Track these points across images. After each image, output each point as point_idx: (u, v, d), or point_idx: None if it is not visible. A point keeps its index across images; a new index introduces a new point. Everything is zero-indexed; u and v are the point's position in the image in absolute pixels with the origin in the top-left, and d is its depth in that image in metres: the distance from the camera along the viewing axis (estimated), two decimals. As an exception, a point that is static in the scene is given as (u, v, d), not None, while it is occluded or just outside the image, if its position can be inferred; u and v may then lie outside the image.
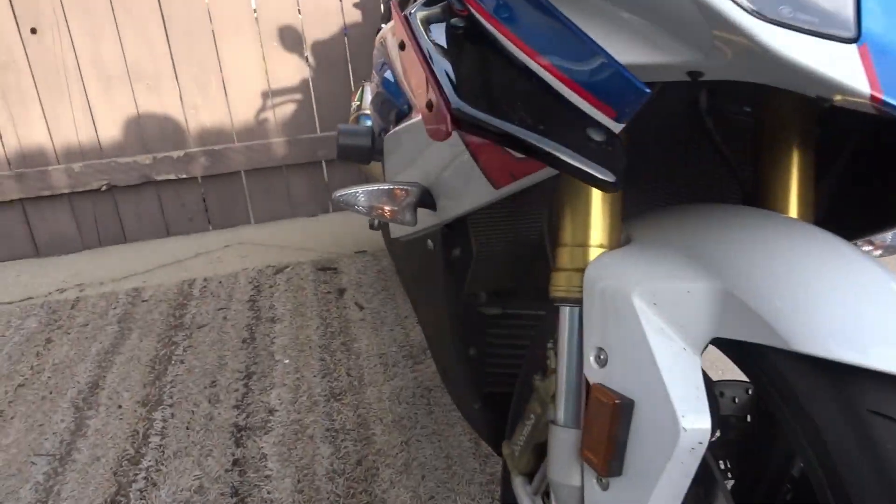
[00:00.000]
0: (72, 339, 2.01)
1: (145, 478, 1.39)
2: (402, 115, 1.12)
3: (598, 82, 0.50)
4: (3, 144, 2.59)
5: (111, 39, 2.59)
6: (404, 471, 1.35)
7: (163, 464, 1.43)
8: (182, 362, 1.83)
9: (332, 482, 1.34)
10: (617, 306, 0.60)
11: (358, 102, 1.89)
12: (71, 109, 2.62)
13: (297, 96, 2.83)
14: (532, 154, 0.49)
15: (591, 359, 0.63)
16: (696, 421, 0.54)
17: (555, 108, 0.50)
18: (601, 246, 0.66)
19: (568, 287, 0.66)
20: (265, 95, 2.80)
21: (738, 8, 0.43)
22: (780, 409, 0.52)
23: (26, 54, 2.53)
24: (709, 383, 0.59)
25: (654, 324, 0.57)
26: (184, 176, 2.76)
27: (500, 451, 1.05)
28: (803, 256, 0.55)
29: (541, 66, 0.52)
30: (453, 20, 0.57)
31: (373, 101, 1.33)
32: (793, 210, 0.70)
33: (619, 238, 0.67)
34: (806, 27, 0.43)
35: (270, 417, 1.55)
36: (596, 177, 0.48)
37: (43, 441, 1.54)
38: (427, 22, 0.58)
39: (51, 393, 1.74)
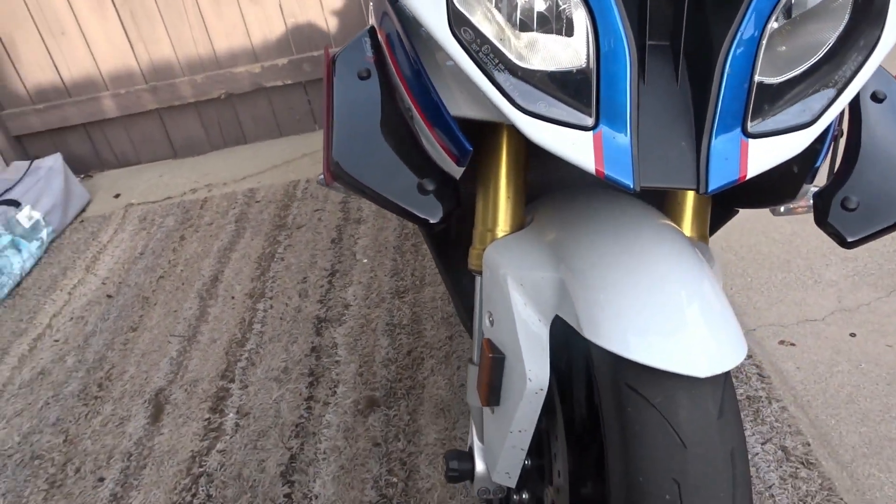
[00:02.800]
0: (200, 237, 2.42)
1: (247, 358, 1.77)
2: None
3: (446, 135, 0.67)
4: (138, 61, 2.97)
5: (216, -43, 2.82)
6: (444, 361, 1.63)
7: (261, 347, 1.80)
8: (282, 259, 2.18)
9: (386, 368, 1.64)
10: (499, 283, 0.78)
11: None
12: (189, 26, 2.93)
13: None
14: (379, 204, 0.68)
15: (486, 319, 0.83)
16: (538, 374, 0.74)
17: (408, 165, 0.69)
18: (503, 230, 0.84)
19: (478, 263, 0.85)
20: (364, 3, 2.94)
21: (507, 102, 0.59)
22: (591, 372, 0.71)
23: (147, -22, 2.83)
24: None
25: (520, 301, 0.76)
26: (289, 82, 3.03)
27: None
28: (623, 257, 0.70)
29: (417, 111, 0.70)
30: (361, 68, 0.75)
31: None
32: (686, 219, 0.83)
33: (521, 221, 0.84)
34: (557, 118, 0.58)
35: (345, 311, 1.87)
36: (420, 218, 0.67)
37: (176, 325, 1.97)
38: (343, 68, 0.76)
39: (183, 284, 2.16)
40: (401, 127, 0.73)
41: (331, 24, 2.98)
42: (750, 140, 0.58)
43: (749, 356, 1.45)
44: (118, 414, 1.67)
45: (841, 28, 0.61)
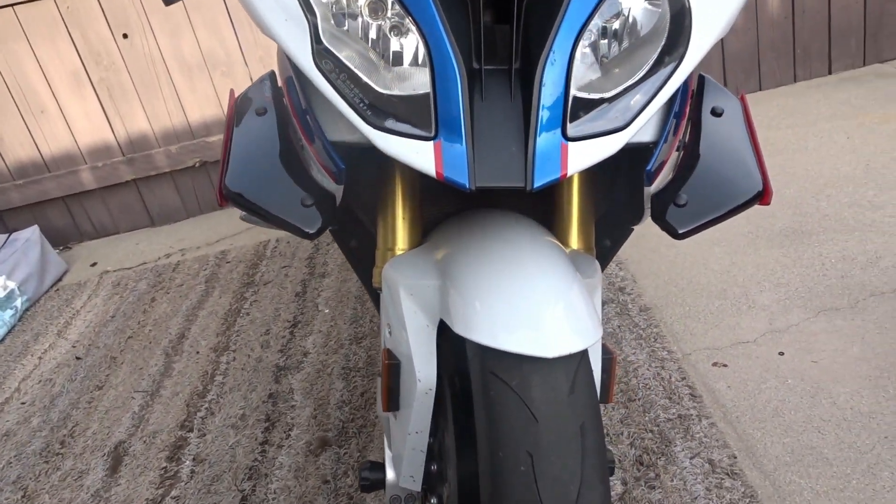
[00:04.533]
0: (170, 298, 2.49)
1: (207, 408, 1.81)
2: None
3: (323, 152, 0.76)
4: (115, 135, 3.10)
5: (188, 35, 2.99)
6: (396, 401, 1.67)
7: (221, 397, 1.84)
8: (248, 314, 2.24)
9: (340, 410, 1.68)
10: (394, 296, 0.85)
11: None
12: (163, 100, 3.08)
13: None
14: (267, 220, 0.76)
15: (385, 330, 0.89)
16: (427, 375, 0.80)
17: (291, 183, 0.77)
18: (400, 248, 0.91)
19: (380, 279, 0.92)
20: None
21: (363, 122, 0.67)
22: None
23: (122, 57, 2.99)
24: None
25: (410, 308, 0.83)
26: (261, 148, 3.16)
27: None
28: (497, 263, 0.77)
29: (303, 137, 0.79)
30: (257, 104, 0.85)
31: None
32: (573, 233, 0.91)
33: (418, 241, 0.92)
34: (404, 132, 0.66)
35: (304, 359, 1.92)
36: (298, 229, 0.75)
37: (141, 381, 2.01)
38: (243, 105, 0.86)
39: (150, 343, 2.21)
40: (290, 156, 0.82)
41: (298, 92, 3.14)
42: (570, 143, 0.66)
43: (682, 378, 1.50)
44: (78, 468, 1.70)
45: (659, 48, 0.70)
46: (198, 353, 2.09)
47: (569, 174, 0.65)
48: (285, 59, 0.89)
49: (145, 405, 1.89)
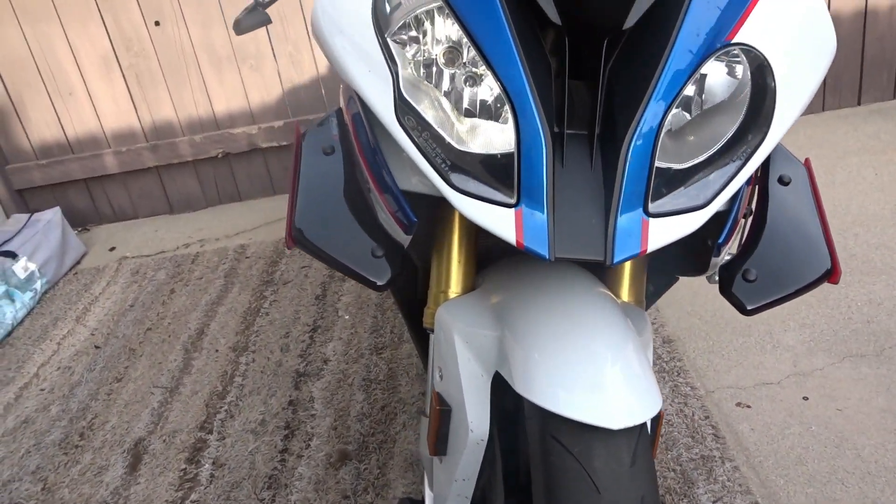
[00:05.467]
0: (189, 291, 2.49)
1: (226, 410, 1.82)
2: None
3: (396, 205, 0.76)
4: (140, 121, 3.11)
5: (220, 27, 2.99)
6: (416, 416, 1.68)
7: (241, 399, 1.85)
8: (267, 314, 2.25)
9: (360, 422, 1.69)
10: (448, 340, 0.86)
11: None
12: (191, 89, 3.08)
13: (380, 68, 3.11)
14: (334, 268, 0.76)
15: (436, 374, 0.90)
16: (479, 425, 0.81)
17: (361, 232, 0.78)
18: (454, 291, 0.91)
19: (432, 321, 0.92)
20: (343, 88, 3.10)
21: (443, 182, 0.68)
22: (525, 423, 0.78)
23: (153, 44, 2.99)
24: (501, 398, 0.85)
25: (465, 356, 0.83)
26: (284, 143, 3.16)
27: None
28: (556, 319, 0.78)
29: (373, 184, 0.79)
30: (325, 144, 0.85)
31: None
32: (625, 285, 0.91)
33: (472, 284, 0.92)
34: (485, 196, 0.67)
35: (324, 367, 1.93)
36: (368, 280, 0.75)
37: (160, 376, 2.02)
38: (310, 144, 0.86)
39: (169, 336, 2.22)
40: (358, 199, 0.82)
41: (325, 89, 3.13)
42: (650, 219, 0.66)
43: (706, 416, 1.51)
44: (97, 463, 1.71)
45: (738, 122, 0.70)
46: (217, 351, 2.10)
47: (648, 251, 0.66)
48: (354, 96, 0.89)
49: (164, 402, 1.90)
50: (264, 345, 2.09)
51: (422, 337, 1.21)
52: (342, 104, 0.96)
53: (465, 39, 0.69)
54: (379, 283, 0.77)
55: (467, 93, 0.70)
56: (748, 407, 1.53)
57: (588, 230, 0.66)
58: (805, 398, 1.52)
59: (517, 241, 0.66)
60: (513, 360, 0.75)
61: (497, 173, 0.67)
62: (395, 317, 2.11)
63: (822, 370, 1.59)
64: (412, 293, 1.11)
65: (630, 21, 0.66)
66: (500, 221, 0.66)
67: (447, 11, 0.69)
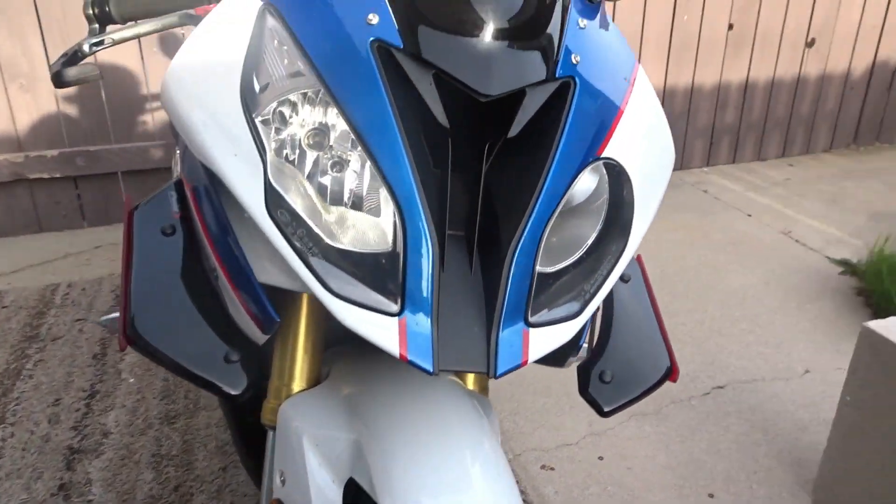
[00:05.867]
0: (-76, 348, 2.07)
1: (-26, 500, 1.52)
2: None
3: (253, 300, 0.68)
4: None
5: (-19, 37, 2.59)
6: (216, 496, 1.53)
7: (-6, 485, 1.56)
8: (31, 377, 1.94)
9: (149, 507, 1.50)
10: (294, 442, 0.77)
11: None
12: (-62, 105, 2.62)
13: (176, 102, 2.89)
14: (178, 374, 0.66)
15: (277, 478, 0.81)
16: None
17: (211, 333, 0.68)
18: (299, 385, 0.84)
19: (271, 417, 0.84)
20: (144, 99, 2.85)
21: (320, 286, 0.62)
22: None
23: None
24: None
25: (314, 461, 0.76)
26: (58, 175, 2.80)
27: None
28: (413, 419, 0.74)
29: (223, 273, 0.69)
30: (165, 224, 0.74)
31: None
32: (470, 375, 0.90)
33: (318, 376, 0.86)
34: (366, 303, 0.62)
35: (104, 440, 1.70)
36: (222, 390, 0.66)
37: None
38: (145, 222, 0.74)
39: None
40: (206, 288, 0.72)
41: (112, 120, 2.84)
42: (531, 329, 0.66)
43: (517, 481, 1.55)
44: None
45: (598, 228, 0.72)
46: (-38, 424, 1.76)
47: (529, 362, 0.65)
48: (197, 164, 0.78)
49: None
50: (27, 415, 1.79)
51: (246, 429, 1.11)
52: (179, 173, 0.85)
53: (332, 122, 0.65)
54: (234, 393, 0.67)
55: (332, 178, 0.65)
56: (552, 469, 1.60)
57: (470, 340, 0.64)
58: (600, 458, 1.63)
59: (400, 354, 0.61)
60: (373, 467, 0.70)
61: (376, 276, 0.63)
62: (233, 438, 1.92)
63: (613, 430, 1.72)
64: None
65: (514, 130, 0.66)
66: (383, 332, 0.62)
67: (325, 99, 0.64)
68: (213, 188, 0.73)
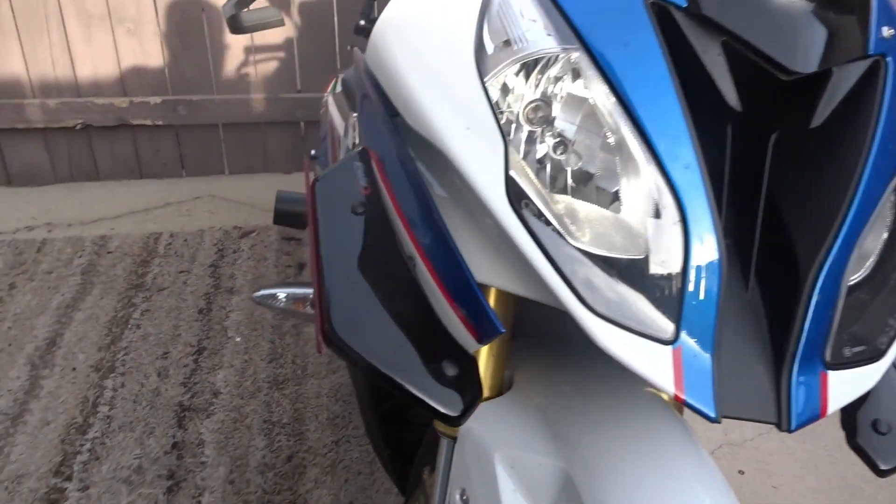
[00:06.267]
0: (35, 288, 2.08)
1: (90, 450, 1.50)
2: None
3: (468, 304, 0.57)
4: (-21, 72, 2.58)
5: (95, -23, 2.55)
6: (330, 471, 1.47)
7: (108, 436, 1.54)
8: (138, 327, 1.91)
9: (262, 476, 1.45)
10: (482, 459, 0.68)
11: (329, 95, 1.91)
12: (49, 44, 2.60)
13: (281, 54, 2.81)
14: (389, 386, 0.56)
15: (457, 495, 0.72)
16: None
17: (421, 336, 0.57)
18: (484, 393, 0.74)
19: (454, 428, 0.74)
20: (248, 50, 2.78)
21: (578, 303, 0.50)
22: None
23: (7, -17, 2.49)
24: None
25: (508, 485, 0.66)
26: (160, 123, 2.77)
27: (404, 493, 1.16)
28: (641, 445, 0.63)
29: (426, 268, 0.59)
30: (354, 203, 0.63)
31: (311, 161, 1.36)
32: None
33: (500, 382, 0.75)
34: (630, 325, 0.50)
35: (214, 400, 1.66)
36: (440, 412, 0.56)
37: (-3, 399, 1.64)
38: (330, 198, 0.63)
39: (10, 345, 1.82)
40: (407, 281, 0.61)
41: (217, 68, 2.79)
42: (829, 372, 0.53)
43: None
44: None
45: (885, 234, 0.59)
46: (74, 369, 1.74)
47: (828, 413, 0.53)
48: (381, 133, 0.67)
49: (5, 434, 1.53)
50: (136, 366, 1.76)
51: (382, 418, 1.02)
52: (363, 141, 0.73)
53: (589, 93, 0.53)
54: (453, 415, 0.56)
55: (572, 161, 0.53)
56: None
57: (752, 382, 0.52)
58: (741, 472, 1.50)
59: (675, 395, 0.50)
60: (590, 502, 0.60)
61: (642, 291, 0.51)
62: (296, 344, 1.87)
63: (752, 440, 1.59)
64: None
65: (818, 119, 0.54)
66: (653, 364, 0.50)
67: (583, 65, 0.53)
68: (412, 162, 0.62)
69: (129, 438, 1.53)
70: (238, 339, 1.88)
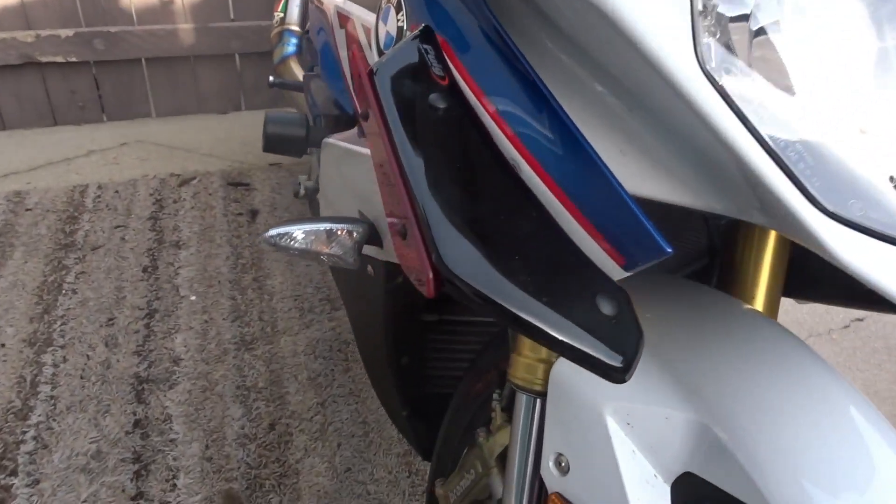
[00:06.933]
0: (-57, 255, 1.79)
1: (35, 437, 1.28)
2: (343, 115, 0.97)
3: (612, 223, 0.41)
4: None
5: None
6: (319, 437, 1.31)
7: (54, 420, 1.32)
8: (74, 292, 1.67)
9: (244, 449, 1.28)
10: (585, 417, 0.54)
11: (281, 14, 1.67)
12: (-70, -31, 2.22)
13: (208, -22, 2.50)
14: (533, 337, 0.40)
15: (551, 463, 0.58)
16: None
17: (558, 264, 0.41)
18: None
19: (530, 378, 0.59)
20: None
21: (801, 196, 0.35)
22: None
23: None
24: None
25: (626, 446, 0.52)
26: (74, 59, 2.44)
27: (426, 456, 1.02)
28: (788, 387, 0.51)
29: (546, 185, 0.42)
30: (432, 97, 0.45)
31: (309, 79, 1.15)
32: (759, 301, 0.65)
33: None
34: (877, 228, 0.36)
35: (175, 368, 1.46)
36: (605, 363, 0.40)
37: (-88, 385, 1.39)
38: (400, 93, 0.45)
39: (-80, 323, 1.56)
40: (525, 194, 0.44)
41: (134, -4, 2.46)
42: None
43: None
44: None
45: None
46: (3, 346, 1.50)
47: None
48: (457, 4, 0.49)
49: (-74, 427, 1.30)
50: (78, 336, 1.53)
51: (408, 392, 0.87)
52: (423, 18, 0.54)
53: None
54: (620, 367, 0.41)
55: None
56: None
57: None
58: None
59: None
60: (747, 464, 0.47)
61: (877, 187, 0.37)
62: (260, 299, 1.68)
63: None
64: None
65: None
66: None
67: None
68: (505, 40, 0.45)
69: (81, 420, 1.32)
70: (193, 298, 1.67)
